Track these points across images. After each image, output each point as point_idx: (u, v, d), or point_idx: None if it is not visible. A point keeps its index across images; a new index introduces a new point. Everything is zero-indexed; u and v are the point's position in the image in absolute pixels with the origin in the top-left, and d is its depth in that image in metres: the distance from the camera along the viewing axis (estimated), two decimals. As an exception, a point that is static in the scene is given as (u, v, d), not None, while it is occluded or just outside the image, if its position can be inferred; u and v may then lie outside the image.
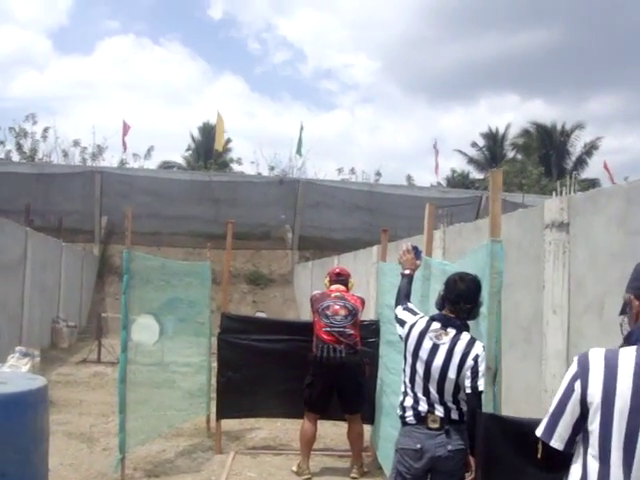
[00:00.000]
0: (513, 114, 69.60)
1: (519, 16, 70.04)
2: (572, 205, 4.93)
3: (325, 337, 6.21)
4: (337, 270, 7.07)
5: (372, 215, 25.86)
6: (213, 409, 7.40)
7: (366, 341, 6.54)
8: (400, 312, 3.96)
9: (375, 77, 75.01)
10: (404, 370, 3.78)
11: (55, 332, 15.74)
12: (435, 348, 3.59)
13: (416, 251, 4.28)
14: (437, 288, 4.28)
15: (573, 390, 1.93)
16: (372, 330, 6.70)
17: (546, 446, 1.98)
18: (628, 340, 2.00)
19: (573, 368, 1.97)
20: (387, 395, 6.07)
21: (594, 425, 1.87)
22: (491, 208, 3.19)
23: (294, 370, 6.48)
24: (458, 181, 41.13)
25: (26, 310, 13.30)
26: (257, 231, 25.75)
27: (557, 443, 1.96)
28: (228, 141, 38.39)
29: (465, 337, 3.59)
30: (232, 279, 23.82)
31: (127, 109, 66.58)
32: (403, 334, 3.80)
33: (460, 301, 3.58)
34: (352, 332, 6.31)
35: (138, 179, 25.31)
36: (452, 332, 3.60)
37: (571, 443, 1.95)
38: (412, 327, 3.74)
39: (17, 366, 8.81)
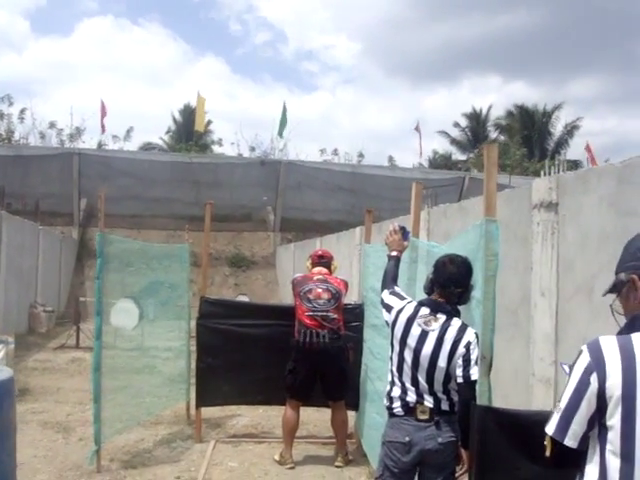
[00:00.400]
0: (495, 95, 69.70)
1: (501, -2, 69.88)
2: (561, 185, 4.77)
3: (307, 322, 6.01)
4: (319, 252, 6.85)
5: (355, 196, 25.71)
6: (193, 395, 7.21)
7: (350, 325, 6.32)
8: (386, 296, 3.74)
9: (356, 59, 74.87)
10: (391, 358, 3.57)
11: (33, 317, 15.47)
12: (424, 335, 3.37)
13: (404, 232, 4.06)
14: (424, 271, 4.11)
15: (588, 384, 1.75)
16: (356, 314, 6.50)
17: (557, 444, 1.82)
18: (633, 325, 1.83)
19: (585, 359, 1.79)
20: (372, 381, 5.90)
21: (614, 420, 1.71)
22: (486, 186, 3.03)
23: (276, 356, 6.25)
24: (440, 162, 41.05)
25: (1, 295, 13.05)
26: (238, 213, 25.61)
27: (571, 441, 1.80)
28: (209, 123, 38.02)
29: (456, 323, 3.38)
30: (213, 262, 23.71)
31: (107, 91, 65.94)
32: (390, 320, 3.58)
33: (450, 285, 3.38)
34: (335, 316, 6.11)
35: (117, 161, 24.95)
36: (442, 318, 3.38)
37: (585, 439, 1.79)
38: (399, 312, 3.52)
39: (-11, 354, 8.53)
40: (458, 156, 42.42)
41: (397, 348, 3.50)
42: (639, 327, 1.80)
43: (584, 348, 1.82)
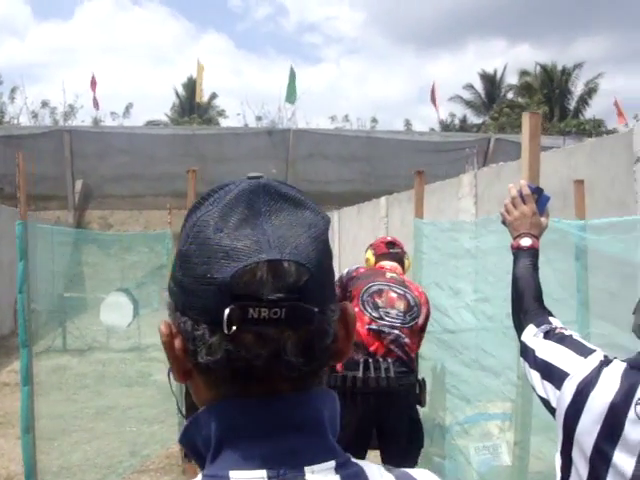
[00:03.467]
0: (501, 59, 68.21)
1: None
2: None
3: (368, 342, 3.83)
4: (389, 238, 4.50)
5: (370, 165, 24.23)
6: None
7: None
8: (537, 342, 1.70)
9: (360, 29, 73.61)
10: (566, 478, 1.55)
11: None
12: None
13: (539, 196, 2.04)
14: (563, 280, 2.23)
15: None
16: None
17: None
18: None
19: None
20: (433, 424, 4.09)
21: None
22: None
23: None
24: (455, 126, 39.52)
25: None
26: (247, 187, 23.87)
27: None
28: (213, 96, 36.49)
29: None
30: (221, 242, 22.06)
31: (110, 72, 64.86)
32: (556, 401, 1.55)
33: None
34: (408, 341, 3.91)
35: (115, 137, 23.29)
36: None
37: None
38: (584, 389, 1.48)
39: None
40: (473, 120, 40.82)
41: (586, 465, 1.48)
42: None
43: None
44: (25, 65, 61.80)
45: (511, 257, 2.00)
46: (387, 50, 72.76)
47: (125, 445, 5.81)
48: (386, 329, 3.82)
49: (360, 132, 27.22)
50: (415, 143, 24.24)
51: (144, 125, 35.60)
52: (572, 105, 39.02)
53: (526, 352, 1.73)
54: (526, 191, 1.99)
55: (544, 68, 39.63)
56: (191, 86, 38.13)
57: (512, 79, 41.29)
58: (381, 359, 3.74)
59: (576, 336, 1.67)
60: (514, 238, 2.00)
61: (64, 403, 7.60)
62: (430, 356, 4.26)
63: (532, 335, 1.73)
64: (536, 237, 1.97)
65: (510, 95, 40.85)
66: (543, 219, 2.02)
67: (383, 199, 11.54)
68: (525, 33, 69.15)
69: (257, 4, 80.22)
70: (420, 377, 3.97)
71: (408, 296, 3.99)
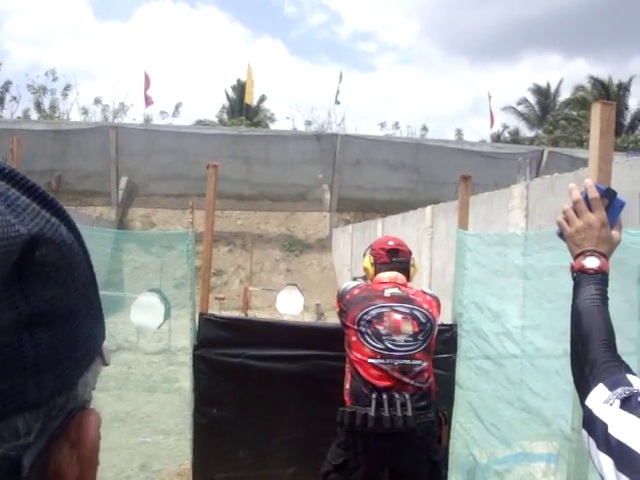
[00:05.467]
0: (556, 73, 67.52)
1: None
2: None
3: (374, 377, 3.24)
4: (391, 243, 3.69)
5: (419, 173, 23.69)
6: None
7: (435, 358, 3.86)
8: (613, 414, 1.11)
9: (414, 38, 73.37)
10: None
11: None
12: None
13: (610, 201, 1.48)
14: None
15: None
16: (444, 341, 3.93)
17: None
18: None
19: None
20: (468, 474, 3.58)
21: None
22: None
23: (317, 405, 3.93)
24: (507, 139, 39.05)
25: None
26: (292, 192, 23.93)
27: None
28: (262, 99, 36.37)
29: None
30: (263, 245, 21.87)
31: (162, 72, 65.54)
32: None
33: None
34: (425, 364, 3.31)
35: (161, 136, 23.19)
36: None
37: None
38: None
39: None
40: (526, 132, 40.36)
41: None
42: None
43: None
44: (82, 64, 63.13)
45: (570, 278, 1.49)
46: (440, 60, 72.47)
47: (137, 457, 5.45)
48: (395, 361, 3.22)
49: (409, 139, 26.74)
50: (465, 152, 23.67)
51: (193, 124, 35.75)
52: (627, 121, 38.19)
53: (593, 425, 1.18)
54: (593, 194, 1.46)
55: (600, 83, 38.83)
56: (241, 88, 38.23)
57: (566, 94, 40.60)
58: (396, 394, 3.16)
59: None
60: (575, 257, 1.48)
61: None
62: (468, 385, 3.74)
63: (603, 401, 1.19)
64: (605, 256, 1.45)
65: (566, 110, 40.16)
66: (615, 232, 1.49)
67: (428, 208, 11.03)
68: (581, 48, 68.19)
69: (312, 11, 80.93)
70: (441, 410, 3.41)
71: (416, 313, 3.33)
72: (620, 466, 1.06)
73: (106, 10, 77.75)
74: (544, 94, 41.21)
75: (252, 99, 28.83)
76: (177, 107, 32.73)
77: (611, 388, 1.18)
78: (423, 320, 3.33)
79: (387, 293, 3.39)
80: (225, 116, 39.72)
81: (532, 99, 40.97)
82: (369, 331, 3.28)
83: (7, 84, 29.60)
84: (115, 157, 22.06)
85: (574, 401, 2.58)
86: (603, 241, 1.45)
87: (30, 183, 0.42)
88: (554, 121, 35.79)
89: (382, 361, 3.22)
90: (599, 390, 1.21)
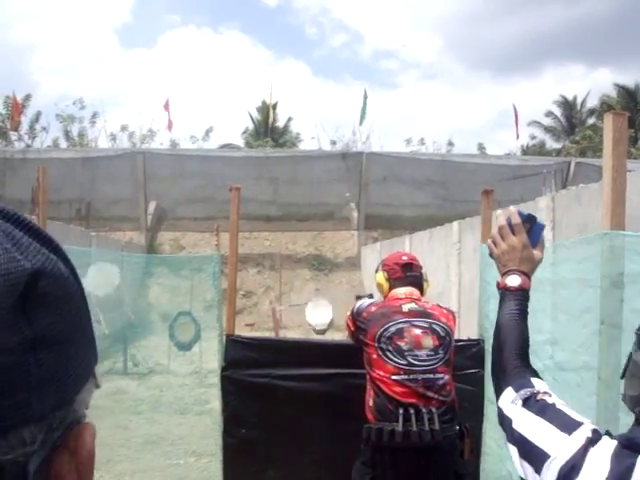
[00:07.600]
0: (580, 84, 67.21)
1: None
2: None
3: (398, 394, 3.24)
4: (405, 258, 3.74)
5: (445, 189, 23.66)
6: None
7: (461, 374, 3.86)
8: (516, 412, 1.34)
9: (436, 54, 73.76)
10: None
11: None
12: None
13: (531, 225, 1.69)
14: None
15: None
16: (471, 355, 4.02)
17: None
18: None
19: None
20: None
21: None
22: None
23: (347, 423, 3.92)
24: (534, 151, 38.72)
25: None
26: (319, 211, 23.94)
27: None
28: (289, 120, 36.76)
29: None
30: (292, 265, 21.92)
31: (188, 97, 66.55)
32: None
33: None
34: (446, 378, 3.33)
35: (188, 160, 23.43)
36: None
37: None
38: (568, 472, 1.09)
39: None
40: (552, 144, 40.09)
41: None
42: None
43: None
44: (108, 92, 64.30)
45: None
46: (464, 75, 72.58)
47: (169, 480, 5.47)
48: (419, 376, 3.23)
49: (435, 155, 26.68)
50: (492, 167, 23.53)
51: (218, 148, 36.11)
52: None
53: (503, 422, 1.41)
54: (515, 220, 1.67)
55: (626, 90, 38.44)
56: (265, 110, 38.64)
57: (592, 103, 40.31)
58: (423, 409, 3.17)
59: (560, 404, 1.34)
60: (501, 275, 1.70)
61: (114, 430, 7.33)
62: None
63: (510, 401, 1.41)
64: (527, 275, 1.66)
65: (591, 120, 39.83)
66: (536, 252, 1.70)
67: (455, 224, 10.99)
68: (604, 57, 67.93)
69: (333, 32, 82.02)
70: (465, 424, 3.37)
71: (435, 327, 3.35)
72: (522, 455, 1.28)
73: (131, 38, 79.19)
74: (569, 106, 41.09)
75: (276, 120, 29.07)
76: (207, 132, 33.12)
77: (517, 390, 1.39)
78: (442, 334, 3.37)
79: (405, 308, 3.42)
80: (250, 138, 40.13)
81: (557, 111, 40.93)
82: (390, 347, 3.29)
83: (37, 114, 30.22)
84: (143, 182, 22.32)
85: (597, 413, 2.55)
86: (525, 261, 1.65)
87: (32, 224, 0.48)
88: (581, 131, 35.45)
89: (406, 377, 3.24)
90: (508, 392, 1.41)
